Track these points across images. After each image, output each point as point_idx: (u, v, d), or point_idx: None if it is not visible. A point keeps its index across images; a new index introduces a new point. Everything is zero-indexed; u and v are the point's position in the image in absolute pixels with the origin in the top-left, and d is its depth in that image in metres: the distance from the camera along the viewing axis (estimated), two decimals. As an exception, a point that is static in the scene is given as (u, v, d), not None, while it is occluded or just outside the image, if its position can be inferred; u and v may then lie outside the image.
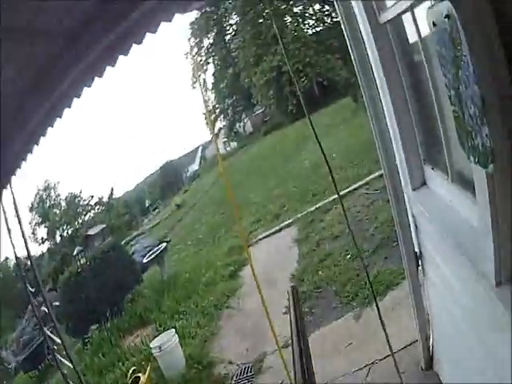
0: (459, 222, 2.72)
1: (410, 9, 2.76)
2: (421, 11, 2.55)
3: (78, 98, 3.04)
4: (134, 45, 2.93)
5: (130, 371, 7.00)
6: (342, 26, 4.06)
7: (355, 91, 23.71)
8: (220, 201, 20.70)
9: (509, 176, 1.89)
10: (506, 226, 1.94)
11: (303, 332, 3.24)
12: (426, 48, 2.81)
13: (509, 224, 1.93)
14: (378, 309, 4.36)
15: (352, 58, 4.04)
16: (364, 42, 3.89)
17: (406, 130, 3.63)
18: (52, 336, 7.66)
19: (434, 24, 1.99)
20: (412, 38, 3.18)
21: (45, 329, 7.22)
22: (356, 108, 23.85)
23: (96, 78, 2.94)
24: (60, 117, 3.15)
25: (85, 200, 41.40)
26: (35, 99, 3.07)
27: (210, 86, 49.97)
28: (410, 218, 4.10)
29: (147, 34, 2.88)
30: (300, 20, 41.27)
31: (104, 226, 13.61)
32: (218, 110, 50.32)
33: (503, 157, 1.83)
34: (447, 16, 1.80)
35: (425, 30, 2.71)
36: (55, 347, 7.49)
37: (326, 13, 42.09)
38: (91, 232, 12.56)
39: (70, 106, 3.07)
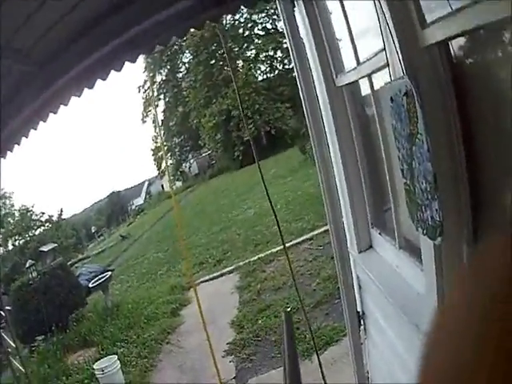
0: (405, 287, 2.77)
1: (369, 79, 2.89)
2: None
3: (44, 121, 3.48)
4: (98, 80, 3.29)
5: None
6: (297, 78, 4.21)
7: (303, 142, 24.30)
8: (164, 238, 21.09)
9: (456, 248, 1.97)
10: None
11: (296, 359, 3.32)
12: (381, 118, 2.90)
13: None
14: (319, 361, 4.38)
15: (304, 112, 4.17)
16: (318, 99, 4.03)
17: (356, 192, 3.69)
18: (6, 338, 7.91)
19: (392, 99, 2.07)
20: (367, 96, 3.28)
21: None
22: (303, 160, 24.40)
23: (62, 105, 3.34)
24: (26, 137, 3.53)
25: (36, 215, 40.40)
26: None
27: (159, 122, 49.77)
28: (354, 278, 4.14)
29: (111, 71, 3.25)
30: (252, 65, 42.08)
31: (56, 245, 13.66)
32: (165, 148, 50.19)
33: (451, 230, 1.91)
34: (405, 94, 1.89)
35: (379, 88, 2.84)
36: (9, 349, 7.68)
37: (279, 59, 43.16)
38: (44, 248, 12.86)
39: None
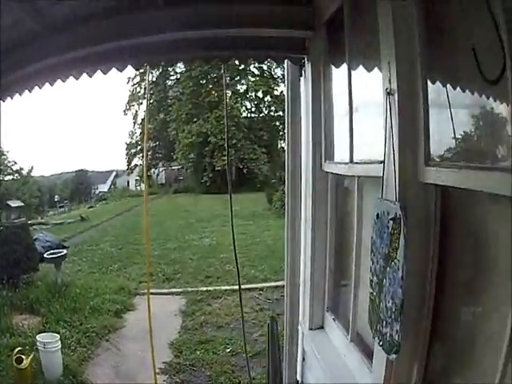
0: (349, 377, 2.91)
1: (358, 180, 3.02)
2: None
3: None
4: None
5: (16, 350, 6.98)
6: (286, 145, 4.38)
7: (271, 192, 24.55)
8: (120, 235, 20.81)
9: (406, 366, 2.11)
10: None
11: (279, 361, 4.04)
12: (360, 213, 3.01)
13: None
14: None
15: (286, 181, 4.33)
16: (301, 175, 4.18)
17: (317, 271, 3.79)
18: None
19: (378, 216, 2.20)
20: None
21: None
22: (267, 208, 24.62)
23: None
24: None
25: (9, 162, 39.22)
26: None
27: (139, 120, 49.20)
28: (300, 349, 4.23)
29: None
30: (239, 99, 42.20)
31: (22, 204, 13.58)
32: (139, 148, 49.53)
33: (406, 352, 2.05)
34: (393, 219, 2.02)
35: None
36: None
37: (266, 103, 43.37)
38: (11, 204, 12.85)
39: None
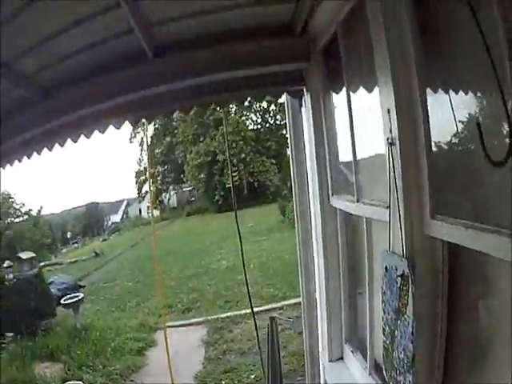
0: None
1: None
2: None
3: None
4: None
5: None
6: (292, 180, 4.42)
7: (284, 203, 24.47)
8: (136, 267, 20.76)
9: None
10: None
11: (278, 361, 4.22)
12: (370, 252, 3.03)
13: None
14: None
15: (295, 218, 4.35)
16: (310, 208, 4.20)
17: (333, 305, 3.81)
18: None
19: (386, 269, 2.21)
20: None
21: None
22: (281, 220, 24.51)
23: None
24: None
25: (17, 204, 39.29)
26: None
27: (146, 146, 48.83)
28: (322, 381, 4.24)
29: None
30: (245, 112, 41.98)
31: (34, 255, 13.76)
32: (147, 174, 49.63)
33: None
34: (401, 275, 2.03)
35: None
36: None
37: (271, 113, 43.23)
38: (23, 256, 13.05)
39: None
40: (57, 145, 3.89)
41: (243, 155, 37.36)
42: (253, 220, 25.41)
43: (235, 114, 40.02)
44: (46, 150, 3.94)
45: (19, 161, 4.07)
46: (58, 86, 3.54)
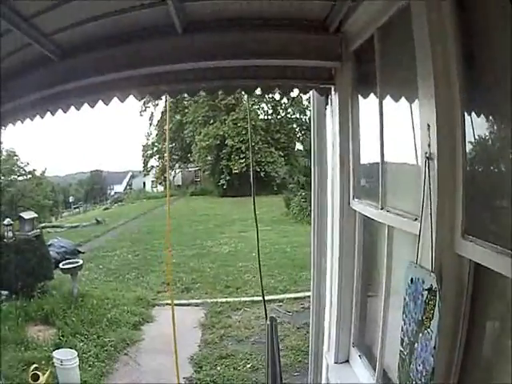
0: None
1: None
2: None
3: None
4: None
5: (32, 367, 6.93)
6: (312, 184, 4.42)
7: (289, 196, 24.51)
8: (136, 240, 20.80)
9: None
10: None
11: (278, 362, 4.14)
12: (389, 259, 3.04)
13: None
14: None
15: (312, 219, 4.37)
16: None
17: (344, 307, 3.82)
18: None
19: (412, 281, 2.23)
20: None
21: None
22: (285, 213, 24.57)
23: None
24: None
25: (22, 162, 39.40)
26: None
27: (155, 122, 48.99)
28: (324, 380, 4.28)
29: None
30: (256, 100, 41.54)
31: (36, 215, 13.66)
32: (155, 149, 49.59)
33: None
34: (428, 289, 2.05)
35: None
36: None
37: (283, 105, 42.97)
38: (25, 216, 13.01)
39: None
40: (72, 108, 3.87)
41: (252, 143, 37.18)
42: (258, 209, 25.42)
43: (247, 101, 39.62)
44: (60, 111, 3.92)
45: (22, 122, 4.10)
46: (77, 49, 3.53)
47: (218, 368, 8.11)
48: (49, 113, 3.96)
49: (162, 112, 46.91)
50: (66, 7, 2.84)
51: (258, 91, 4.07)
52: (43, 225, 24.93)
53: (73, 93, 3.72)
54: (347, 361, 3.86)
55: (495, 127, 1.94)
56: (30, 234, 12.56)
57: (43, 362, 7.63)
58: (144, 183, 58.17)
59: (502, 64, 1.76)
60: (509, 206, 1.73)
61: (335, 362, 3.91)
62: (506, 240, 1.67)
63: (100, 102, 3.81)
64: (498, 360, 1.93)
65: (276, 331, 4.39)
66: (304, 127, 40.07)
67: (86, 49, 3.49)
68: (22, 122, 4.12)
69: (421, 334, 2.10)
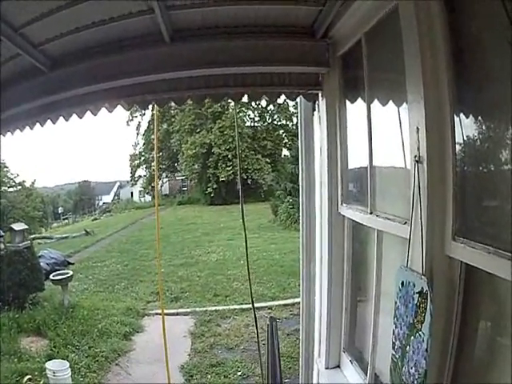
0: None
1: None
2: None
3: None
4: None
5: (26, 378, 7.02)
6: (300, 190, 4.41)
7: (276, 203, 24.55)
8: (125, 250, 20.86)
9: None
10: None
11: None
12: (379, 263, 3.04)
13: None
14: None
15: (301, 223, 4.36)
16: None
17: (334, 312, 3.81)
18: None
19: (403, 284, 2.23)
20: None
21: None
22: (273, 220, 24.63)
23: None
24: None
25: (12, 174, 39.14)
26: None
27: (142, 131, 48.74)
28: (315, 380, 4.26)
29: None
30: (243, 108, 41.56)
31: (26, 227, 13.55)
32: (142, 159, 49.28)
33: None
34: (419, 293, 2.05)
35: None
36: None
37: (270, 112, 43.04)
38: (15, 227, 12.96)
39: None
40: (61, 118, 3.84)
41: (239, 151, 37.22)
42: (245, 216, 25.41)
43: (233, 109, 39.57)
44: (49, 122, 3.89)
45: (21, 130, 4.06)
46: (66, 59, 3.50)
47: (209, 376, 8.17)
48: (38, 124, 3.93)
49: (149, 121, 46.93)
50: (55, 17, 2.82)
51: (245, 99, 4.05)
52: (33, 236, 24.76)
53: (62, 103, 3.68)
54: (338, 366, 3.84)
55: (484, 128, 1.94)
56: (20, 245, 12.57)
57: (36, 373, 7.64)
58: (132, 193, 58.06)
59: (492, 65, 1.78)
60: (499, 207, 1.75)
61: (326, 368, 3.89)
62: (497, 240, 1.68)
63: (88, 113, 3.79)
64: (491, 361, 1.94)
65: (276, 331, 4.39)
66: (291, 133, 40.03)
67: (75, 59, 3.46)
68: (12, 134, 4.09)
69: (412, 337, 2.09)
